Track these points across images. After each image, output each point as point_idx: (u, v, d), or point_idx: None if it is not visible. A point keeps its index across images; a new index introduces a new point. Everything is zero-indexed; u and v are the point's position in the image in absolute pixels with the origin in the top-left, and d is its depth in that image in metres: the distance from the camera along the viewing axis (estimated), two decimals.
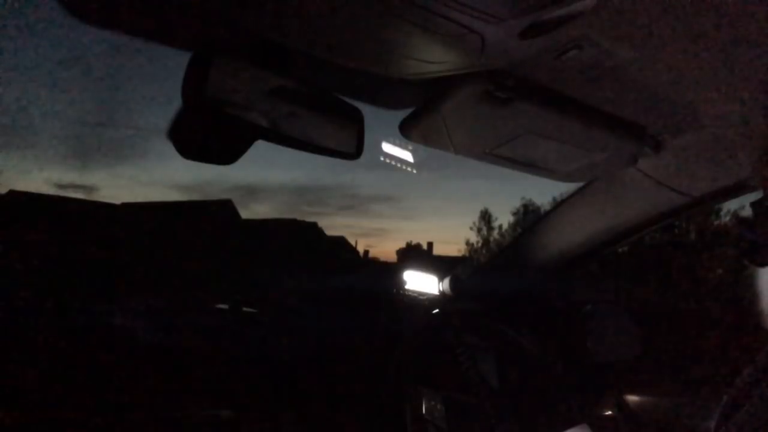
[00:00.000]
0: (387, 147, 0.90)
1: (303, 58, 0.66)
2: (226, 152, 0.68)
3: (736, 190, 1.02)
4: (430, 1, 0.51)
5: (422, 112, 0.77)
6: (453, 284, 1.49)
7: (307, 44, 0.62)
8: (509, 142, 0.84)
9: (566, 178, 1.04)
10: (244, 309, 1.40)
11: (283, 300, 1.72)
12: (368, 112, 0.76)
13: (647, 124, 0.85)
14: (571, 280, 1.44)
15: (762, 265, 0.65)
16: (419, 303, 1.48)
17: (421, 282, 1.50)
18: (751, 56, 0.63)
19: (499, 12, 0.52)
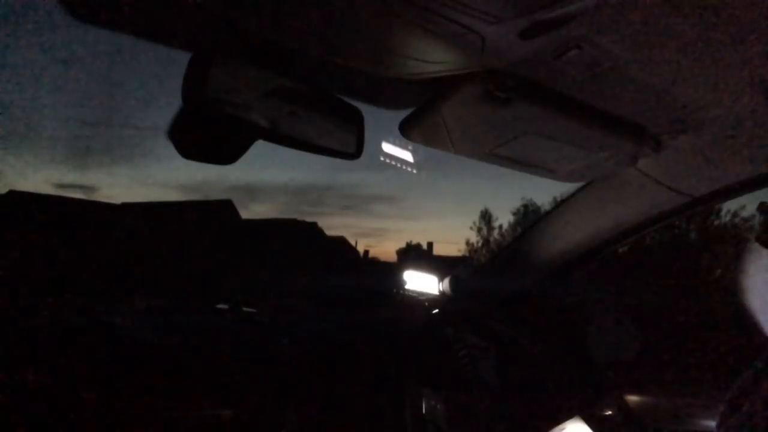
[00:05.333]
0: (387, 147, 0.90)
1: (303, 58, 0.66)
2: (226, 152, 0.68)
3: (736, 190, 1.02)
4: (430, 1, 0.51)
5: (422, 112, 0.77)
6: (453, 284, 1.49)
7: (307, 44, 0.63)
8: (509, 142, 0.84)
9: (566, 178, 1.04)
10: (244, 309, 1.40)
11: (283, 300, 1.72)
12: (368, 112, 0.76)
13: (647, 124, 0.85)
14: (571, 280, 1.44)
15: None
16: (419, 303, 1.48)
17: (421, 282, 1.50)
18: (751, 56, 0.63)
19: (499, 12, 0.52)
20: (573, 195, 1.21)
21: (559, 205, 1.28)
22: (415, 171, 0.94)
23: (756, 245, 0.70)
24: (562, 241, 1.30)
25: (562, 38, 0.59)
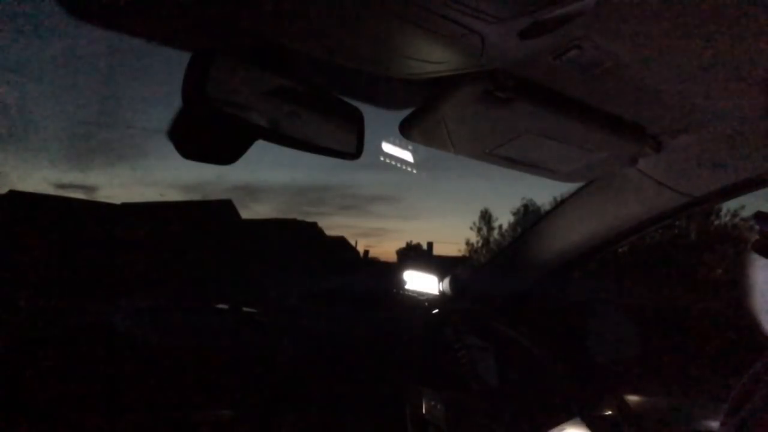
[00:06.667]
0: (387, 147, 0.90)
1: (303, 58, 0.66)
2: (226, 152, 0.69)
3: (736, 190, 1.02)
4: (430, 1, 0.51)
5: (422, 112, 0.77)
6: (453, 284, 1.49)
7: (307, 44, 0.63)
8: (509, 142, 0.84)
9: (566, 178, 1.04)
10: (244, 309, 1.40)
11: (283, 300, 1.72)
12: (368, 112, 0.76)
13: (647, 124, 0.85)
14: (571, 280, 1.44)
15: None
16: (419, 303, 1.48)
17: (421, 282, 1.50)
18: (751, 56, 0.63)
19: (499, 12, 0.52)
20: (573, 195, 1.21)
21: (559, 205, 1.27)
22: (415, 171, 0.94)
23: (753, 254, 0.70)
24: (562, 241, 1.30)
25: (562, 38, 0.59)
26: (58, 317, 1.10)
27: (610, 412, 1.28)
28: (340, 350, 1.27)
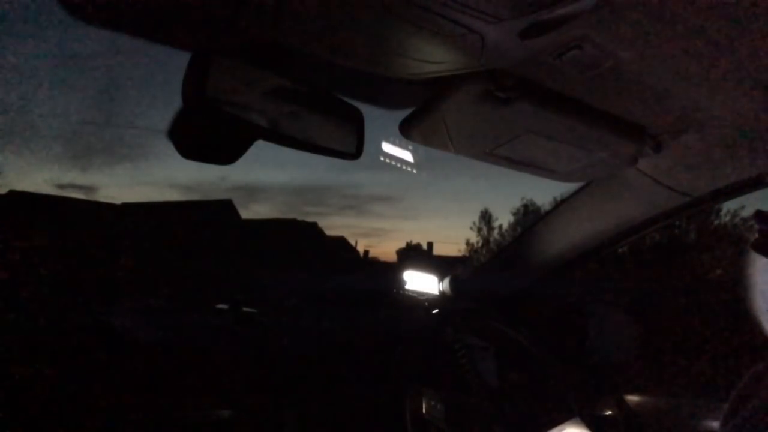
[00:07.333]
0: (387, 147, 0.90)
1: (303, 58, 0.66)
2: (226, 152, 0.69)
3: (736, 190, 1.02)
4: (430, 1, 0.51)
5: (422, 112, 0.77)
6: (453, 284, 1.49)
7: (307, 44, 0.63)
8: (509, 142, 0.84)
9: (566, 178, 1.04)
10: (244, 309, 1.40)
11: (283, 300, 1.72)
12: (368, 112, 0.76)
13: (647, 124, 0.85)
14: (571, 280, 1.44)
15: None
16: (419, 303, 1.48)
17: (421, 282, 1.50)
18: (751, 56, 0.63)
19: (499, 12, 0.52)
20: (573, 195, 1.21)
21: (559, 205, 1.27)
22: (415, 171, 0.94)
23: (754, 254, 0.70)
24: (562, 241, 1.30)
25: (562, 38, 0.59)
26: (58, 317, 1.10)
27: (610, 412, 1.28)
28: (340, 350, 1.27)
